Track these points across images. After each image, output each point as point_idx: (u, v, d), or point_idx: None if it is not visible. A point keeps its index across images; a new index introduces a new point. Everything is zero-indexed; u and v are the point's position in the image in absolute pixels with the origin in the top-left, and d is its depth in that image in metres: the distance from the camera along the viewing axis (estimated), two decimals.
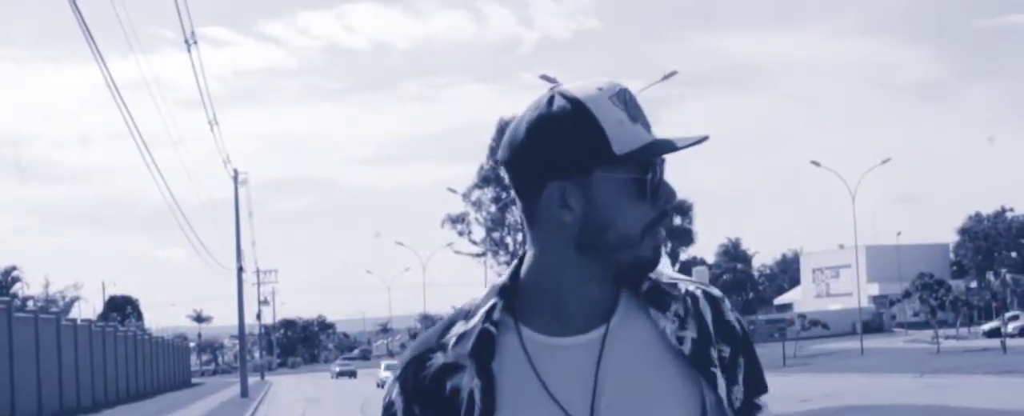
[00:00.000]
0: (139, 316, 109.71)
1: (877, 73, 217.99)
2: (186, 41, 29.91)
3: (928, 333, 63.40)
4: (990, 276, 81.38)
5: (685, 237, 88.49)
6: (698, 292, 1.83)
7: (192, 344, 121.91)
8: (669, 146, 1.73)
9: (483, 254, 77.59)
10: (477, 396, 1.73)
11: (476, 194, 78.44)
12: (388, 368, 56.51)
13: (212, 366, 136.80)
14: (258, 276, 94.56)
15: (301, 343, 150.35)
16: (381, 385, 51.58)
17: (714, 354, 1.78)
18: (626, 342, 1.76)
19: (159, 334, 78.27)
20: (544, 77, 36.40)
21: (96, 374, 40.97)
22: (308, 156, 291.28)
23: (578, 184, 1.72)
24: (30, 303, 74.27)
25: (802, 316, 73.55)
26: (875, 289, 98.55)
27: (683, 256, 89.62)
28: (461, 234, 79.13)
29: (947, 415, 23.13)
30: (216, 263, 58.11)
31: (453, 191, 77.29)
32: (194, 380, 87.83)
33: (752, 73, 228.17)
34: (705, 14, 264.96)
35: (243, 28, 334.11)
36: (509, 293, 1.81)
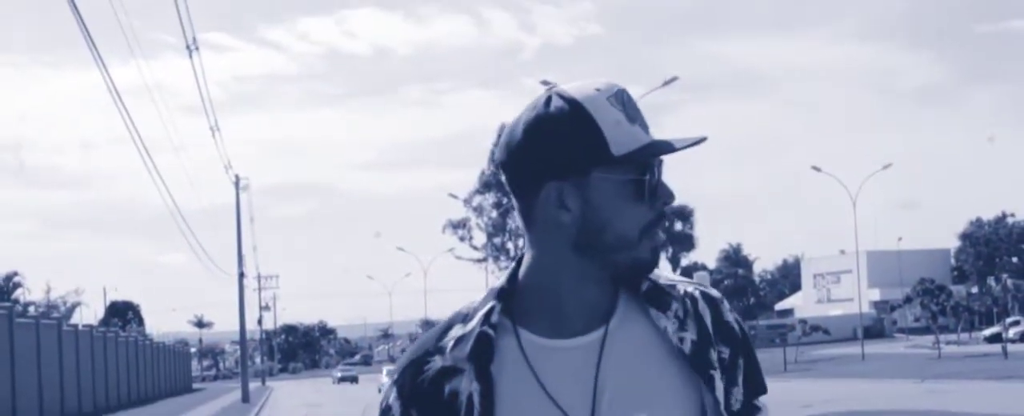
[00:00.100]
0: (140, 321, 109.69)
1: (878, 78, 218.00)
2: (188, 47, 29.93)
3: (929, 338, 63.48)
4: (991, 281, 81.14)
5: (686, 242, 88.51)
6: (697, 293, 1.82)
7: (193, 349, 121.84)
8: (667, 147, 1.72)
9: (484, 259, 77.59)
10: (476, 399, 1.72)
11: (477, 199, 78.43)
12: (390, 374, 56.56)
13: (213, 371, 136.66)
14: (259, 281, 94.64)
15: (302, 348, 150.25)
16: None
17: (714, 356, 1.77)
18: (625, 343, 1.75)
19: (160, 339, 78.31)
20: (545, 83, 36.35)
21: (97, 379, 40.97)
22: (309, 161, 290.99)
23: (576, 185, 1.71)
24: (32, 309, 74.24)
25: (803, 321, 73.48)
26: (876, 294, 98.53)
27: (684, 261, 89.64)
28: (462, 239, 79.12)
29: None
30: (217, 268, 58.19)
31: (454, 196, 77.36)
32: (195, 385, 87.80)
33: (753, 79, 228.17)
34: (706, 20, 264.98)
35: (244, 34, 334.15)
36: (507, 296, 1.80)
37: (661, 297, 1.79)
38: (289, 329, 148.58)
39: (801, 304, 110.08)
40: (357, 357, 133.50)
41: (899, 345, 73.38)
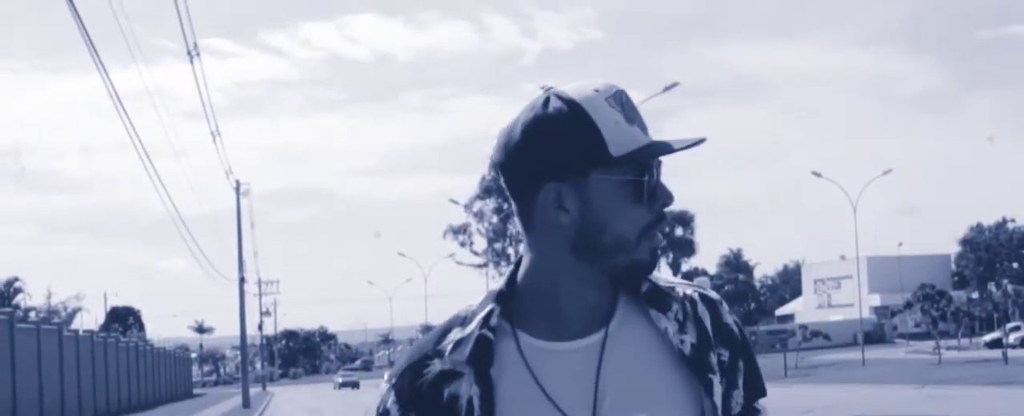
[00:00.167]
0: (141, 327, 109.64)
1: (878, 84, 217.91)
2: (189, 53, 29.91)
3: (929, 344, 63.42)
4: (991, 287, 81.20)
5: (686, 248, 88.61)
6: (695, 296, 1.81)
7: (194, 355, 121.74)
8: (666, 148, 1.71)
9: (485, 265, 77.76)
10: (476, 403, 1.71)
11: (478, 205, 78.67)
12: (388, 378, 56.48)
13: (214, 377, 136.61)
14: (260, 287, 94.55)
15: (302, 354, 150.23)
16: None
17: (714, 359, 1.76)
18: (626, 346, 1.74)
19: (161, 345, 78.16)
20: (545, 88, 36.45)
21: (98, 385, 40.94)
22: (310, 167, 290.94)
23: (574, 186, 1.70)
24: (32, 314, 74.30)
25: (803, 327, 73.57)
26: (876, 300, 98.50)
27: (685, 267, 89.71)
28: (463, 245, 79.38)
29: None
30: (218, 274, 58.18)
31: (455, 202, 77.45)
32: (196, 391, 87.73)
33: (753, 84, 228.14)
34: (706, 26, 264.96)
35: (245, 39, 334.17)
36: (506, 298, 1.79)
37: (661, 298, 1.78)
38: (290, 334, 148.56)
39: (802, 309, 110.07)
40: (357, 362, 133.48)
41: (899, 351, 73.30)
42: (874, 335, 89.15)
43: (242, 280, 56.48)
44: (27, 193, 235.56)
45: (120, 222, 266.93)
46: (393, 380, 1.81)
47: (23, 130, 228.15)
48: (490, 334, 1.75)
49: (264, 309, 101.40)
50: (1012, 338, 65.33)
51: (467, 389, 1.72)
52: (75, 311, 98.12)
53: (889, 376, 44.74)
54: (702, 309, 1.80)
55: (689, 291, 1.82)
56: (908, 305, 69.69)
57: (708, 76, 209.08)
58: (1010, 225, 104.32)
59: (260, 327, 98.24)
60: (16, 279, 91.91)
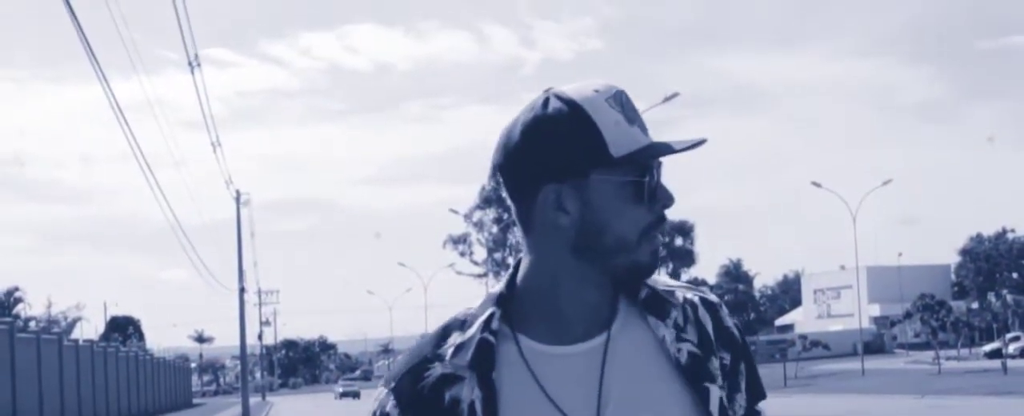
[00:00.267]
0: (141, 336, 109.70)
1: (878, 94, 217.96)
2: (190, 63, 29.93)
3: (929, 354, 63.38)
4: (991, 297, 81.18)
5: (686, 258, 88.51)
6: (696, 299, 1.80)
7: (193, 364, 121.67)
8: (667, 148, 1.69)
9: (485, 275, 77.69)
10: (478, 407, 1.69)
11: (478, 215, 78.63)
12: (386, 382, 56.46)
13: (213, 386, 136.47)
14: (260, 296, 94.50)
15: (302, 364, 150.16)
16: None
17: (715, 363, 1.76)
18: (627, 350, 1.73)
19: (161, 354, 78.18)
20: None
21: (98, 394, 40.92)
22: (310, 177, 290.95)
23: (574, 187, 1.68)
24: (32, 324, 74.29)
25: (803, 337, 73.44)
26: (876, 310, 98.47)
27: (684, 277, 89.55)
28: (463, 255, 79.29)
29: None
30: (218, 284, 58.10)
31: (455, 212, 77.53)
32: (195, 400, 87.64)
33: (753, 94, 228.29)
34: (706, 36, 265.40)
35: (245, 49, 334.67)
36: (505, 301, 1.77)
37: (660, 305, 1.77)
38: (289, 344, 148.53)
39: (801, 319, 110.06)
40: (357, 372, 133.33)
41: (899, 360, 73.29)
42: (874, 345, 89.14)
43: (242, 290, 56.46)
44: (27, 202, 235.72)
45: (120, 232, 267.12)
46: (392, 384, 1.78)
47: (24, 139, 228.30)
48: (491, 338, 1.74)
49: (264, 319, 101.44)
50: (1012, 348, 65.30)
51: (469, 393, 1.71)
52: (75, 321, 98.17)
53: (889, 386, 44.73)
54: (704, 313, 1.79)
55: (690, 295, 1.81)
56: (908, 315, 69.64)
57: (708, 86, 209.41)
58: (1010, 235, 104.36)
59: (260, 337, 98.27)
60: (16, 288, 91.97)
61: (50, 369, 33.36)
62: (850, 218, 69.13)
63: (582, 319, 1.74)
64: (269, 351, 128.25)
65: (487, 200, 77.33)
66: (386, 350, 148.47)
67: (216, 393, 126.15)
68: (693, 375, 1.73)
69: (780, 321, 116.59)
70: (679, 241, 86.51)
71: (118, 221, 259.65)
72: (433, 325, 1.88)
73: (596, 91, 1.71)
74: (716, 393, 1.74)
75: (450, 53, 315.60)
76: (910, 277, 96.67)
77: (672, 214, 1.79)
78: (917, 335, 74.74)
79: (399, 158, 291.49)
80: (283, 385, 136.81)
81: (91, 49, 19.76)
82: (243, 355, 58.10)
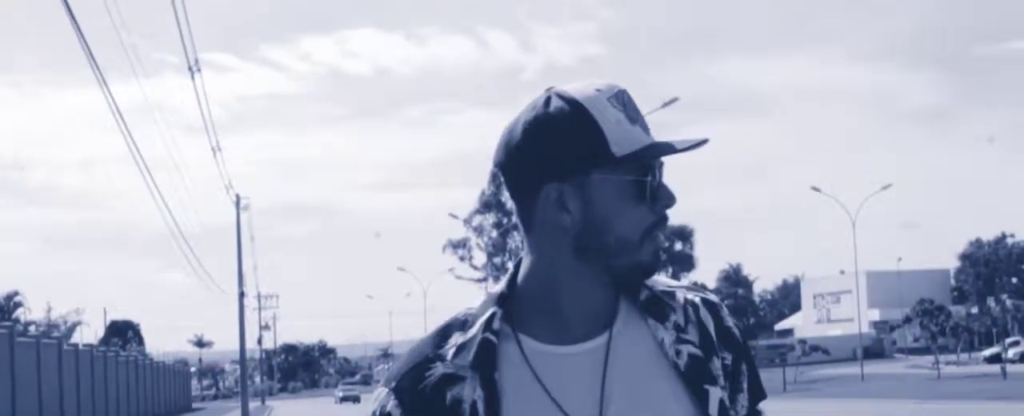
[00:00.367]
0: (140, 341, 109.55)
1: (877, 99, 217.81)
2: (190, 68, 29.99)
3: (929, 359, 63.42)
4: (990, 302, 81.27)
5: (686, 263, 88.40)
6: (697, 300, 1.81)
7: (193, 369, 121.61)
8: (669, 148, 1.69)
9: (484, 279, 77.55)
10: (480, 407, 1.69)
11: (477, 219, 78.45)
12: (386, 382, 56.48)
13: (213, 391, 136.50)
14: (259, 301, 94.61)
15: (302, 368, 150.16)
16: None
17: (717, 363, 1.75)
18: (629, 350, 1.72)
19: (160, 359, 78.07)
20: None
21: (97, 399, 40.90)
22: (310, 181, 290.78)
23: (576, 186, 1.67)
24: (32, 328, 74.23)
25: (803, 342, 73.51)
26: (876, 315, 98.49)
27: (684, 281, 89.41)
28: (462, 259, 79.10)
29: None
30: (218, 288, 58.23)
31: (454, 216, 77.48)
32: (195, 405, 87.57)
33: (753, 99, 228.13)
34: (706, 41, 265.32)
35: (245, 53, 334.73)
36: (506, 301, 1.76)
37: (659, 307, 1.77)
38: (289, 348, 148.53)
39: (801, 324, 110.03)
40: (357, 376, 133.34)
41: (899, 365, 73.28)
42: (873, 350, 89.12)
43: (242, 294, 56.50)
44: (27, 207, 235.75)
45: (120, 236, 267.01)
46: (393, 383, 1.77)
47: (24, 143, 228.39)
48: (493, 338, 1.73)
49: (264, 323, 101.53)
50: (1011, 353, 65.39)
51: (471, 393, 1.70)
52: (75, 325, 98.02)
53: (888, 391, 44.73)
54: (705, 313, 1.79)
55: (690, 295, 1.81)
56: (907, 320, 69.77)
57: (708, 91, 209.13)
58: (1009, 240, 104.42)
59: (259, 341, 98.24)
60: (16, 293, 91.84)
61: (50, 373, 33.35)
62: (850, 223, 69.17)
63: (583, 319, 1.73)
64: (269, 355, 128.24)
65: (487, 205, 77.26)
66: (386, 354, 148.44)
67: (216, 397, 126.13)
68: (693, 377, 1.73)
69: (780, 326, 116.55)
70: (679, 246, 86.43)
71: (118, 225, 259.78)
72: (432, 329, 1.88)
73: (598, 90, 1.71)
74: (716, 395, 1.74)
75: (450, 58, 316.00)
76: (910, 282, 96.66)
77: (672, 218, 1.78)
78: (917, 340, 74.80)
79: (399, 163, 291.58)
80: (283, 389, 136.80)
81: (91, 53, 19.79)
82: (243, 359, 58.13)
